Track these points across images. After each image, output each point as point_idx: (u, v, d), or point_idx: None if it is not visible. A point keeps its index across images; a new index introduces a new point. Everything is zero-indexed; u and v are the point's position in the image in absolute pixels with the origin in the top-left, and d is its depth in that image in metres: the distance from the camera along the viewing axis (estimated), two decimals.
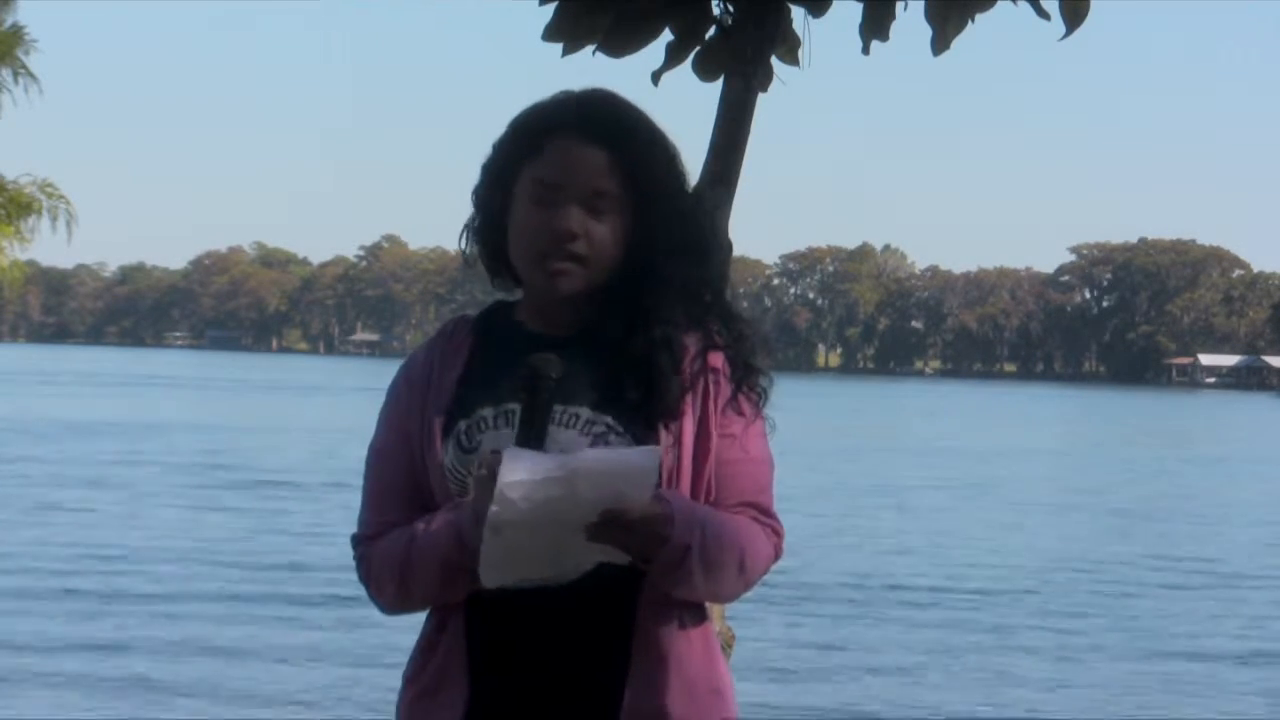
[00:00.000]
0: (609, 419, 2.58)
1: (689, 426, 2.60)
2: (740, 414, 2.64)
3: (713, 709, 2.63)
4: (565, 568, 2.50)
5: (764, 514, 2.66)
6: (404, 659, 2.71)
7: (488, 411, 2.62)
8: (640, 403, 2.58)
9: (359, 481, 2.72)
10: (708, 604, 2.69)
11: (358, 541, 2.69)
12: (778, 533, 2.68)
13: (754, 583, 2.65)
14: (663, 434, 2.57)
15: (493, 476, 2.43)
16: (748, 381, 2.66)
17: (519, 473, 2.41)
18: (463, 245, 2.72)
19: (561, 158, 2.62)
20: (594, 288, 2.64)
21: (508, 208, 2.66)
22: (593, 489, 2.41)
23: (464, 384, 2.66)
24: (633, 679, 2.57)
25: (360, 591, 2.71)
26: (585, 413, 2.58)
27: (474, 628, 2.60)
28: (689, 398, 2.61)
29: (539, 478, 2.40)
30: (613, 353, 2.61)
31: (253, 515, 24.39)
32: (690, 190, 2.73)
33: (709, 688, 2.64)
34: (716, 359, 2.64)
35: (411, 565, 2.59)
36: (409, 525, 2.62)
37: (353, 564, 2.69)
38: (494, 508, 2.41)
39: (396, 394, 2.71)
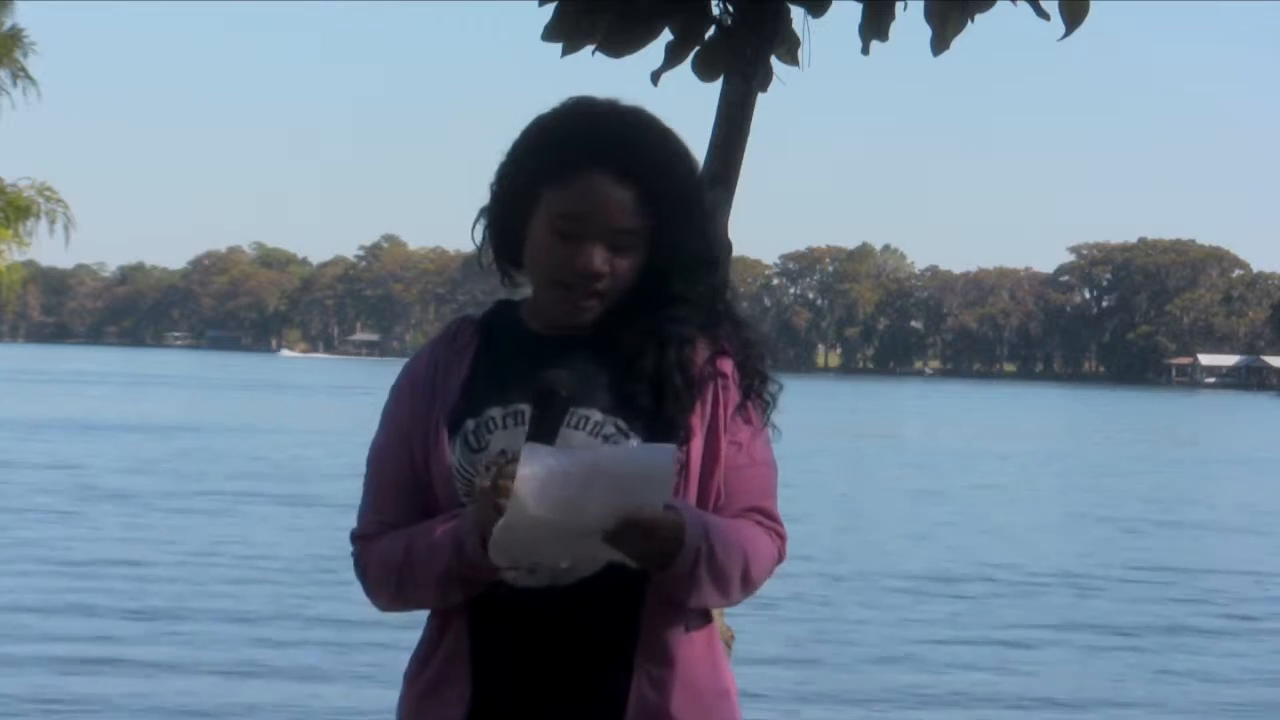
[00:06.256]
0: (620, 422, 2.58)
1: (698, 434, 2.61)
2: (748, 421, 2.65)
3: (720, 711, 2.64)
4: (578, 558, 2.51)
5: (768, 518, 2.66)
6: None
7: (496, 411, 2.61)
8: (652, 409, 2.58)
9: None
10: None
11: (355, 539, 2.70)
12: (781, 536, 2.68)
13: (759, 585, 2.64)
14: (677, 449, 2.56)
15: (494, 488, 2.44)
16: (757, 388, 2.66)
17: (536, 467, 2.40)
18: (475, 242, 2.69)
19: (590, 196, 2.58)
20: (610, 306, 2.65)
21: (527, 220, 2.63)
22: (609, 488, 2.41)
23: (471, 384, 2.65)
24: (637, 682, 2.57)
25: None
26: (596, 415, 2.58)
27: (477, 628, 2.61)
28: (698, 404, 2.61)
29: (556, 473, 2.40)
30: (626, 362, 2.61)
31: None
32: (704, 198, 2.70)
33: (716, 690, 2.64)
34: (726, 365, 2.64)
35: (410, 573, 2.60)
36: (406, 531, 2.62)
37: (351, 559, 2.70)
38: (511, 504, 2.40)
39: (398, 394, 2.71)
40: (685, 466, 2.59)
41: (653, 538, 2.46)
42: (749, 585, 2.61)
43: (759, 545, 2.62)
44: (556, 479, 2.40)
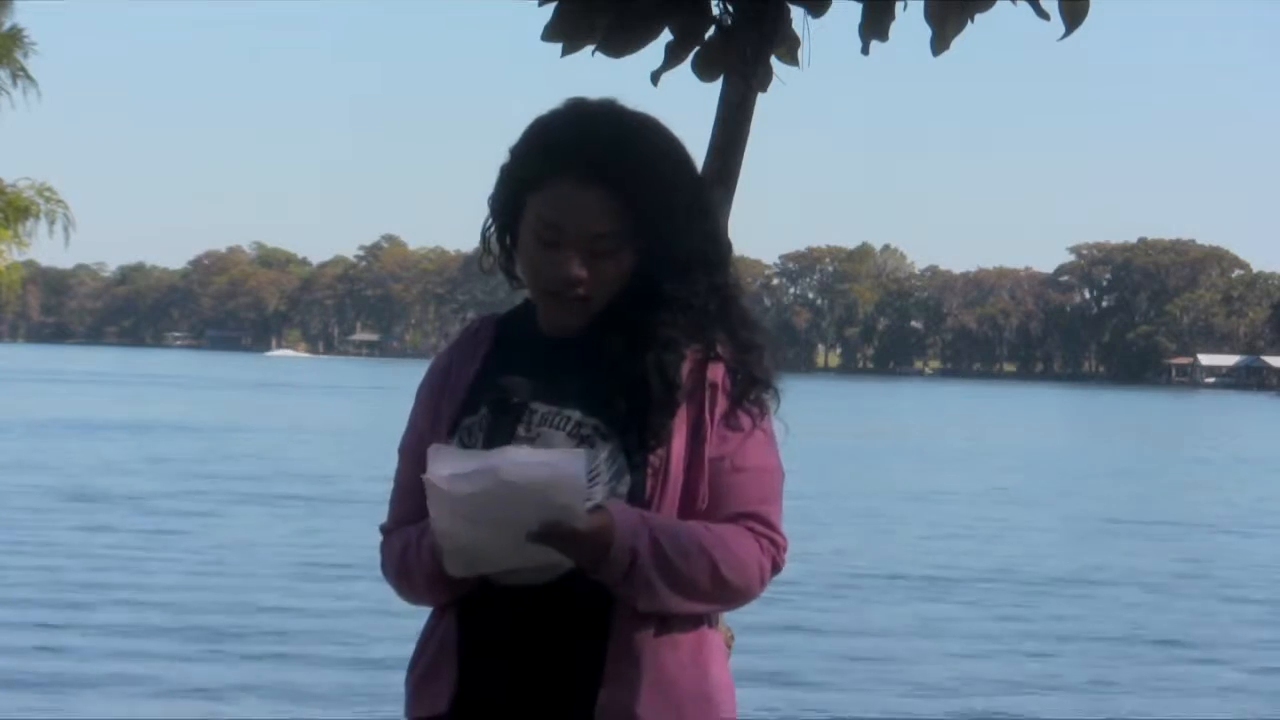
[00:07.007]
0: (600, 424, 2.58)
1: (681, 441, 2.59)
2: (739, 427, 2.62)
3: (699, 715, 2.60)
4: (534, 562, 2.52)
5: (762, 524, 2.62)
6: None
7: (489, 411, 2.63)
8: (629, 413, 2.57)
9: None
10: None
11: (381, 532, 2.77)
12: (776, 544, 2.63)
13: (746, 592, 2.60)
14: (650, 453, 2.57)
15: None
16: (749, 394, 2.63)
17: (442, 468, 2.47)
18: (482, 247, 2.70)
19: (561, 202, 2.59)
20: (602, 309, 2.65)
21: (518, 225, 2.65)
22: (517, 495, 2.43)
23: (477, 382, 2.68)
24: (607, 680, 2.57)
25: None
26: (576, 415, 2.59)
27: (465, 621, 2.64)
28: (684, 411, 2.59)
29: (461, 472, 2.45)
30: (608, 365, 2.60)
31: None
32: (701, 198, 2.67)
33: (696, 693, 2.61)
34: (716, 372, 2.62)
35: (407, 573, 2.67)
36: (407, 529, 2.68)
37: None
38: (429, 506, 2.49)
39: (419, 393, 2.76)
40: (666, 471, 2.57)
41: (573, 542, 2.47)
42: (726, 590, 2.58)
43: (734, 548, 2.58)
44: (460, 480, 2.45)
